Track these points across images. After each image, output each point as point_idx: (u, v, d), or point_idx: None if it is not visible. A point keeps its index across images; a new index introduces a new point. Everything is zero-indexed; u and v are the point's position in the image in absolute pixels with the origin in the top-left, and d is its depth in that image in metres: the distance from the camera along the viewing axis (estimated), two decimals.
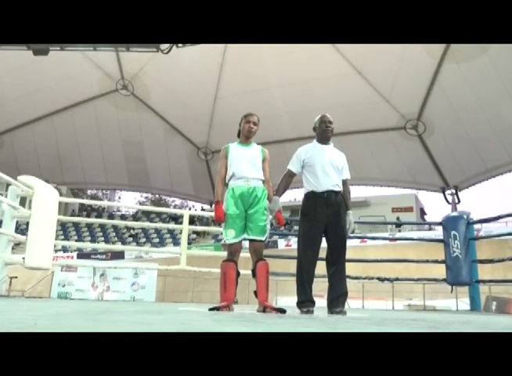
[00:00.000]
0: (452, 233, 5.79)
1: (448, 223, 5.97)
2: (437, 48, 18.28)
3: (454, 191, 23.46)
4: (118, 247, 20.25)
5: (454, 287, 6.12)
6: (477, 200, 59.65)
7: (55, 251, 17.55)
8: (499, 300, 11.95)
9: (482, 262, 6.04)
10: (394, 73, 19.55)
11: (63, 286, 14.16)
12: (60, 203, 6.30)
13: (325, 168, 3.53)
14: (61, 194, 7.43)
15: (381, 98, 21.06)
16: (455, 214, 6.51)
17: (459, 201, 23.44)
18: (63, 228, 26.24)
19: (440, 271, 6.20)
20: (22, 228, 13.49)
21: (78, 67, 20.90)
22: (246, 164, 3.45)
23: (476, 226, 8.05)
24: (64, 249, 21.73)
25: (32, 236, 5.33)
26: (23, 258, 5.24)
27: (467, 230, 5.80)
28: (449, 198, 23.66)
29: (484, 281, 6.28)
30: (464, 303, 9.28)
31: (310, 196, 3.54)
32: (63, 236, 24.88)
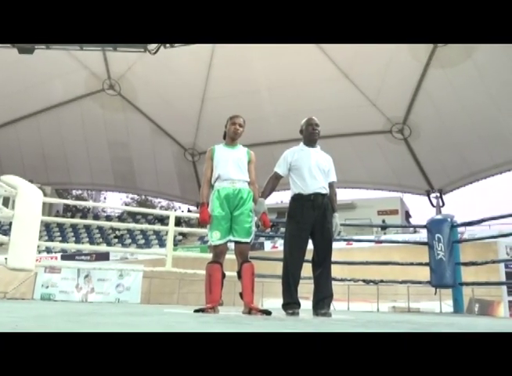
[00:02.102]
0: (437, 235, 5.85)
1: (433, 226, 6.03)
2: (423, 53, 18.49)
3: (439, 194, 23.75)
4: (103, 248, 20.06)
5: (438, 289, 6.18)
6: (462, 204, 60.42)
7: (39, 252, 17.32)
8: (482, 302, 12.12)
9: (466, 264, 6.10)
10: (381, 77, 19.73)
11: (47, 287, 13.99)
12: (44, 203, 6.22)
13: (312, 170, 3.55)
14: (45, 194, 7.34)
15: (368, 101, 21.23)
16: (439, 217, 6.57)
17: (443, 204, 23.75)
18: (47, 229, 25.92)
19: (424, 273, 6.26)
20: (5, 228, 13.30)
21: (64, 66, 20.67)
22: (232, 166, 3.45)
23: (460, 229, 8.15)
24: (48, 250, 21.46)
25: (15, 236, 5.25)
26: (6, 259, 5.16)
27: (451, 233, 5.87)
28: (434, 201, 23.95)
29: (467, 283, 6.35)
30: (448, 305, 9.37)
31: (297, 198, 3.55)
32: (46, 237, 24.57)
